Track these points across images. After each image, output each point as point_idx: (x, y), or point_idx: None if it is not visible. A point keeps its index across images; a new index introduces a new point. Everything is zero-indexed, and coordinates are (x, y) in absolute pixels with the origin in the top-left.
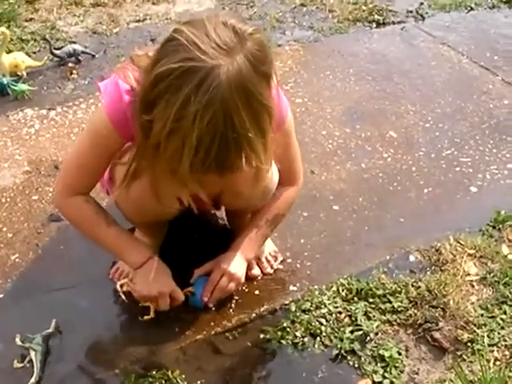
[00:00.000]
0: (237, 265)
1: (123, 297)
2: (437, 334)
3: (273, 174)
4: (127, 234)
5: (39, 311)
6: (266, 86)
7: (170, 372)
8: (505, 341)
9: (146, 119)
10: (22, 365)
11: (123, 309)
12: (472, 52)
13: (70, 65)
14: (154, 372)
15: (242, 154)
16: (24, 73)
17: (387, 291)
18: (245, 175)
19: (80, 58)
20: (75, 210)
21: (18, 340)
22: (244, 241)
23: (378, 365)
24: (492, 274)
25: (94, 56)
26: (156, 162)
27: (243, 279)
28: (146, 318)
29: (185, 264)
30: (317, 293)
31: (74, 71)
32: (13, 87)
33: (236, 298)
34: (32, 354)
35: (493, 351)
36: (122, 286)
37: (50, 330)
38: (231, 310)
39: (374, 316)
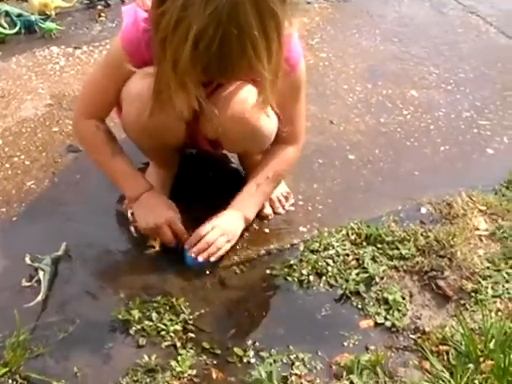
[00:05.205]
0: (232, 221)
1: (132, 229)
2: (441, 283)
3: (270, 122)
4: (130, 165)
5: (50, 235)
6: None
7: (174, 299)
8: (508, 293)
9: (158, 13)
10: (29, 284)
11: (133, 238)
12: (501, 23)
13: (99, 7)
14: (159, 298)
15: (244, 54)
16: (53, 12)
17: (396, 238)
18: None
19: (109, 2)
20: (85, 135)
21: (27, 259)
22: (243, 197)
23: (382, 307)
24: (501, 231)
25: (123, 1)
26: (163, 60)
27: (237, 237)
28: (150, 251)
29: (197, 202)
30: (326, 235)
31: (103, 14)
32: (40, 25)
33: (246, 234)
34: (40, 273)
35: (495, 302)
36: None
37: (59, 253)
38: (239, 246)
39: (381, 261)
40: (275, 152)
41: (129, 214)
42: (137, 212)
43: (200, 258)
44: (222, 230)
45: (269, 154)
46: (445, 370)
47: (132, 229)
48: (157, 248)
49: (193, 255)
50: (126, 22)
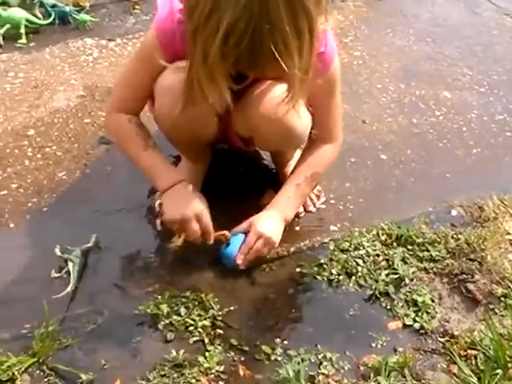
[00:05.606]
0: (274, 227)
1: (158, 223)
2: (471, 286)
3: (302, 121)
4: (162, 158)
5: (80, 226)
6: None
7: (203, 295)
8: None
9: (192, 2)
10: (59, 275)
11: (164, 232)
12: None
13: (134, 0)
14: (188, 293)
15: (275, 50)
16: (87, 4)
17: (426, 240)
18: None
19: None
20: (117, 127)
21: (57, 251)
22: (283, 199)
23: (411, 309)
24: None
25: None
26: (194, 52)
27: (278, 242)
28: (172, 245)
29: (228, 198)
30: (356, 234)
31: (137, 6)
32: (74, 16)
33: None
34: (70, 265)
35: None
36: (160, 205)
37: (89, 245)
38: None
39: (411, 262)
40: (313, 152)
41: (156, 205)
42: (165, 203)
43: (242, 266)
44: (266, 241)
45: (307, 153)
46: (473, 375)
47: (157, 222)
48: (179, 243)
49: (242, 267)
50: (161, 12)
